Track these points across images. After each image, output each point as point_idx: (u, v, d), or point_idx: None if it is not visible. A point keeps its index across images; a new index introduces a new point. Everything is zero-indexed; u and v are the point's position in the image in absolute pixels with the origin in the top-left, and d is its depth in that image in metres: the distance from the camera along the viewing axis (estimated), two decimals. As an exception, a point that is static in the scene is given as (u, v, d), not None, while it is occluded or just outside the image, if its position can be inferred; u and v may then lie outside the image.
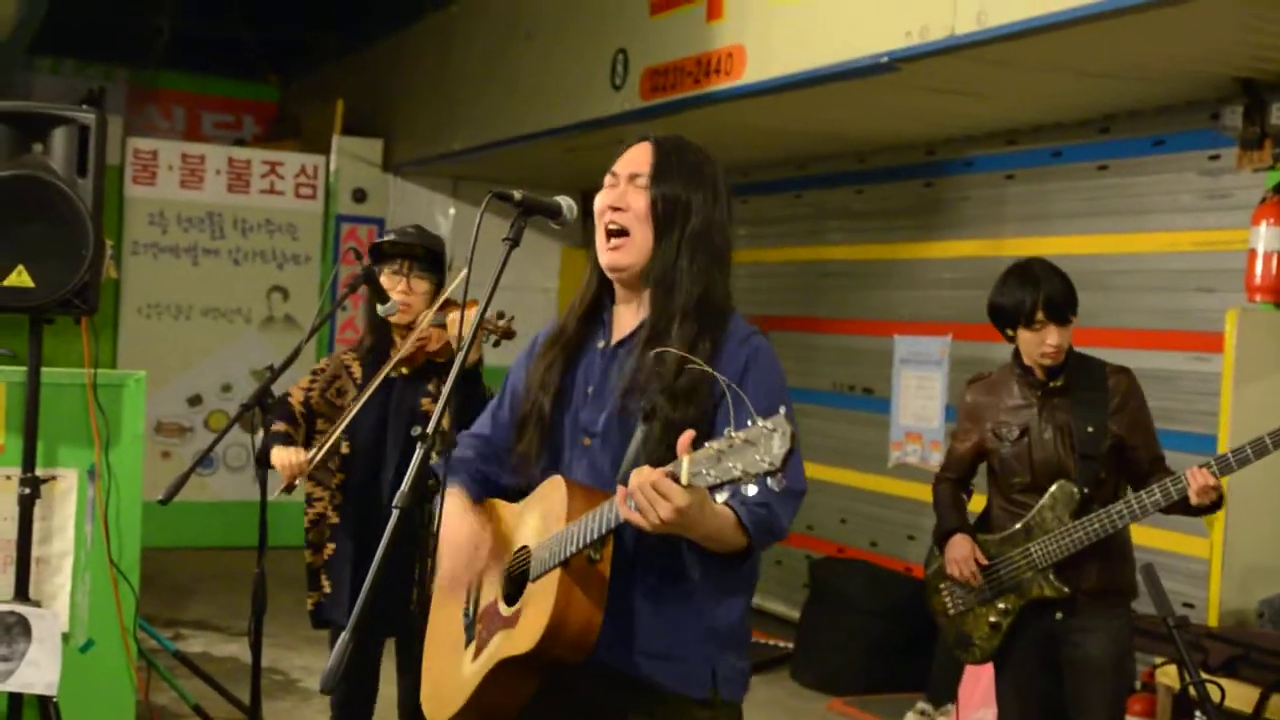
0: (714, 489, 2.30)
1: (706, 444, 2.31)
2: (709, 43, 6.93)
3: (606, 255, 2.82)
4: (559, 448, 2.85)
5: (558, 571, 2.61)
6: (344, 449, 4.46)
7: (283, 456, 4.30)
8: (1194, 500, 4.12)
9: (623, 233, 2.79)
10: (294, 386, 4.55)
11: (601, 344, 2.88)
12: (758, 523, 2.60)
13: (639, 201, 2.79)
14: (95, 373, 4.88)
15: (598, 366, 2.85)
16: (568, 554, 2.60)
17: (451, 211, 11.39)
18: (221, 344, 10.79)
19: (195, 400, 10.75)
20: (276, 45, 13.25)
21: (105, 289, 5.25)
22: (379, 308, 4.39)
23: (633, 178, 2.82)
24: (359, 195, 11.16)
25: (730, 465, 2.24)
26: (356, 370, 4.53)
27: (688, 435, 2.38)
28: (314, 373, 4.59)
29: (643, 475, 2.40)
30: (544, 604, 2.61)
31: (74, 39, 12.39)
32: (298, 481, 4.34)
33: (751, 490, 2.25)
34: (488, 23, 9.66)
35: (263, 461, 4.36)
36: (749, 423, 2.25)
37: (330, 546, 4.49)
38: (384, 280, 4.45)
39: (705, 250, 2.79)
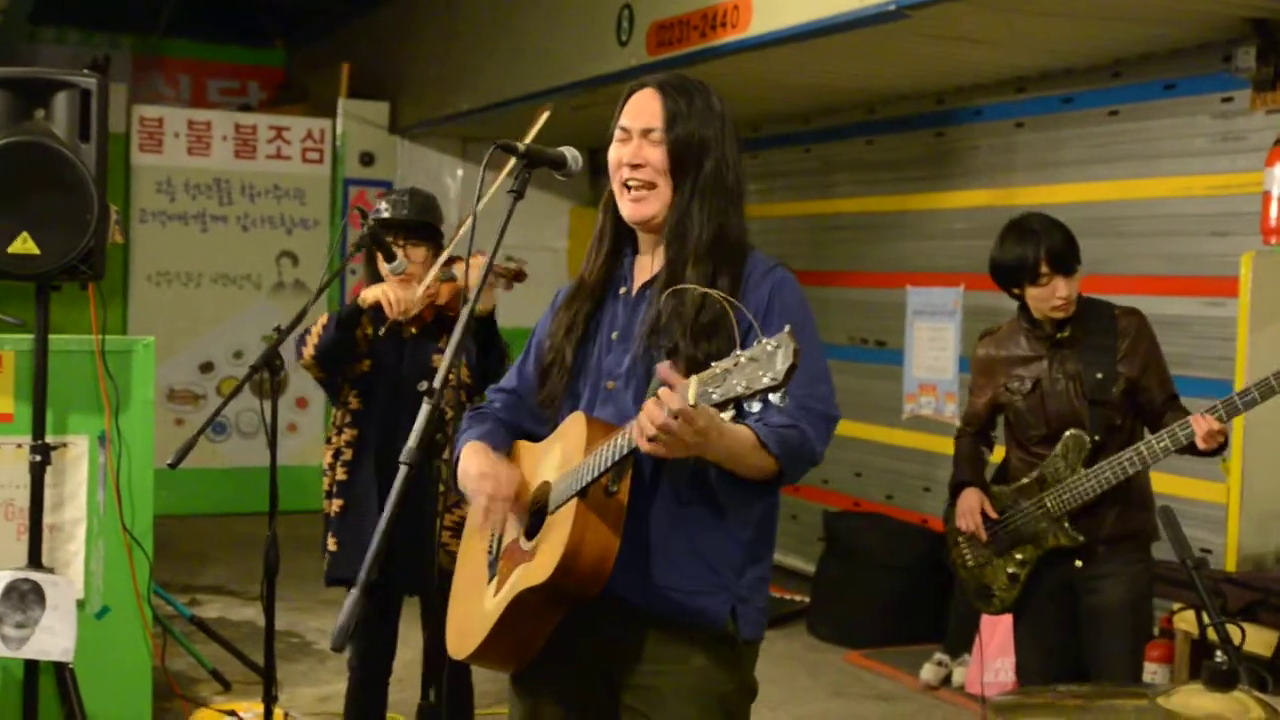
0: (719, 406, 2.28)
1: (713, 364, 2.30)
2: (714, -5, 6.88)
3: (629, 207, 2.81)
4: (582, 394, 2.85)
5: (574, 502, 2.61)
6: (354, 404, 4.45)
7: (391, 291, 4.29)
8: (1201, 445, 4.08)
9: (645, 186, 2.78)
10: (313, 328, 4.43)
11: (623, 290, 2.88)
12: (783, 441, 2.57)
13: (656, 155, 2.78)
14: (104, 339, 4.87)
15: (620, 312, 2.85)
16: (583, 484, 2.59)
17: (460, 173, 11.35)
18: (232, 310, 10.78)
19: (207, 367, 10.75)
20: (282, 10, 13.18)
21: (113, 256, 5.23)
22: (388, 266, 4.38)
23: (646, 133, 2.79)
24: (366, 159, 11.11)
25: (735, 383, 2.23)
26: (366, 326, 4.50)
27: (664, 365, 2.36)
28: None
29: (654, 403, 2.37)
30: (560, 535, 2.61)
31: (78, 8, 12.34)
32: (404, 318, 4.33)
33: (756, 407, 2.24)
34: (492, -18, 9.60)
35: (345, 322, 4.32)
36: (755, 343, 2.24)
37: (338, 503, 4.48)
38: None
39: (718, 191, 2.79)
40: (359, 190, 10.99)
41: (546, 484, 2.76)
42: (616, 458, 2.54)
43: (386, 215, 4.54)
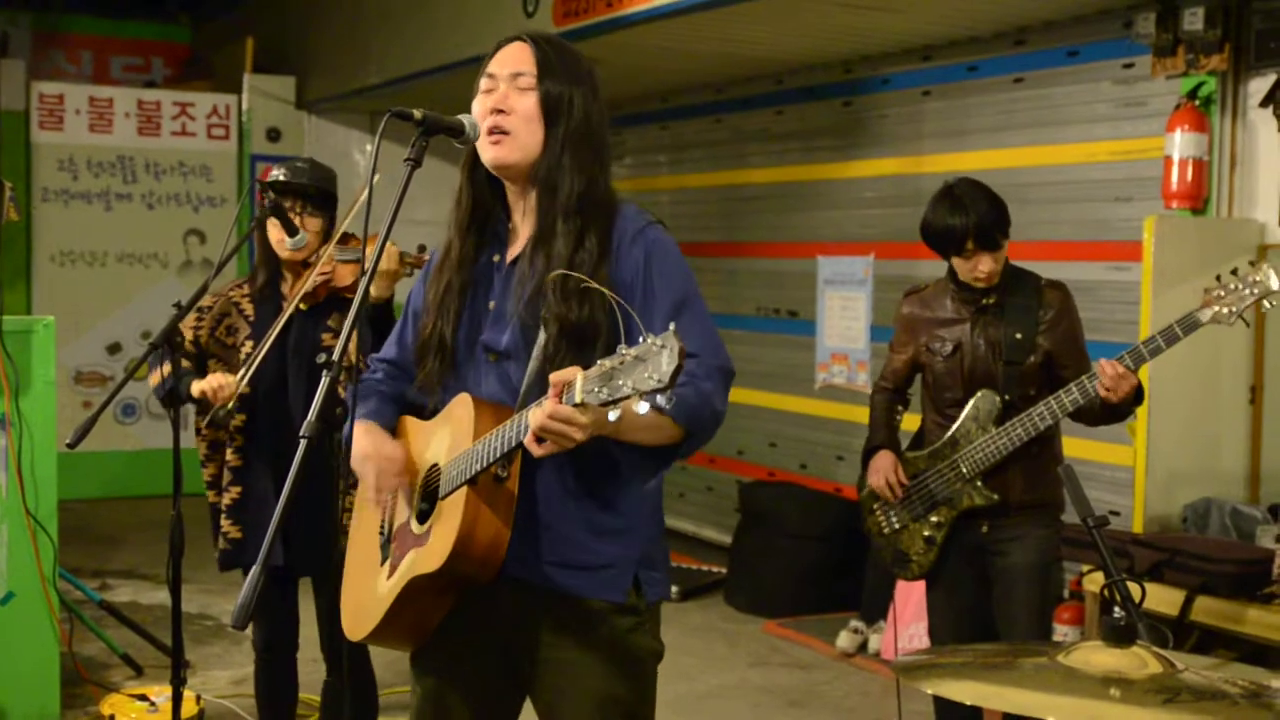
0: (605, 406, 2.27)
1: (599, 361, 2.30)
2: (621, -36, 6.85)
3: (489, 151, 2.77)
4: (464, 367, 2.82)
5: (465, 490, 2.61)
6: (244, 389, 4.35)
7: (211, 381, 4.19)
8: (1106, 388, 4.07)
9: (507, 132, 2.75)
10: (181, 325, 4.24)
11: (496, 257, 2.84)
12: (680, 401, 2.48)
13: (523, 102, 2.75)
14: (1, 319, 4.78)
15: (496, 282, 2.82)
16: (474, 472, 2.59)
17: (368, 148, 11.24)
18: (139, 290, 10.61)
19: (115, 348, 10.58)
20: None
21: (14, 236, 5.12)
22: (288, 241, 4.30)
23: (515, 77, 2.77)
24: (273, 134, 10.98)
25: (620, 383, 2.24)
26: (248, 308, 4.40)
27: (560, 374, 2.37)
28: (199, 311, 4.42)
29: (542, 412, 2.38)
30: (451, 523, 2.61)
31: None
32: (230, 405, 4.22)
33: (643, 408, 2.23)
34: (397, -46, 9.50)
35: (175, 399, 4.21)
36: (640, 338, 2.23)
37: (235, 489, 4.37)
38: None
39: (588, 146, 2.77)
40: (266, 167, 10.85)
41: (436, 467, 2.75)
42: (505, 449, 2.54)
43: (284, 179, 4.43)
